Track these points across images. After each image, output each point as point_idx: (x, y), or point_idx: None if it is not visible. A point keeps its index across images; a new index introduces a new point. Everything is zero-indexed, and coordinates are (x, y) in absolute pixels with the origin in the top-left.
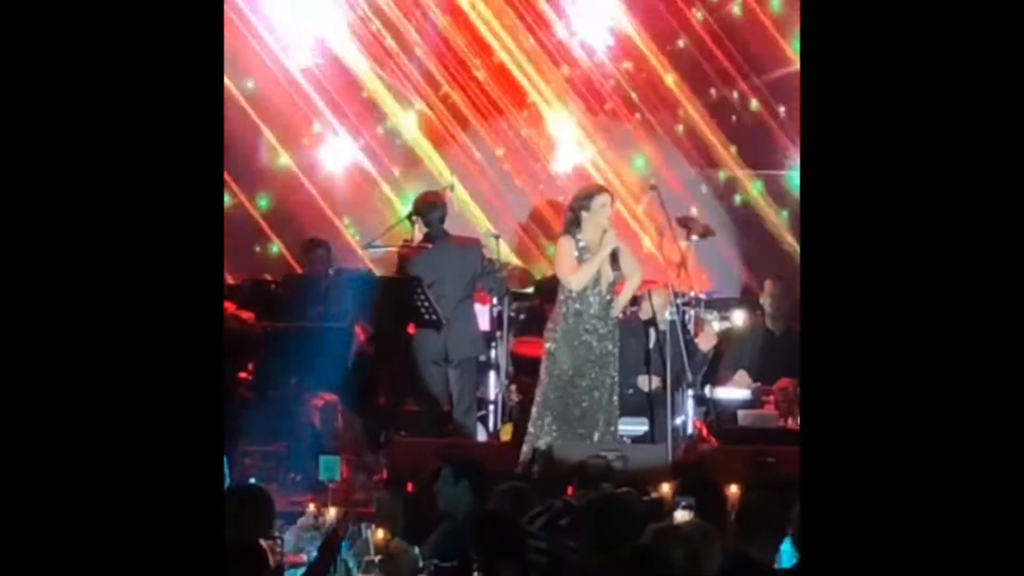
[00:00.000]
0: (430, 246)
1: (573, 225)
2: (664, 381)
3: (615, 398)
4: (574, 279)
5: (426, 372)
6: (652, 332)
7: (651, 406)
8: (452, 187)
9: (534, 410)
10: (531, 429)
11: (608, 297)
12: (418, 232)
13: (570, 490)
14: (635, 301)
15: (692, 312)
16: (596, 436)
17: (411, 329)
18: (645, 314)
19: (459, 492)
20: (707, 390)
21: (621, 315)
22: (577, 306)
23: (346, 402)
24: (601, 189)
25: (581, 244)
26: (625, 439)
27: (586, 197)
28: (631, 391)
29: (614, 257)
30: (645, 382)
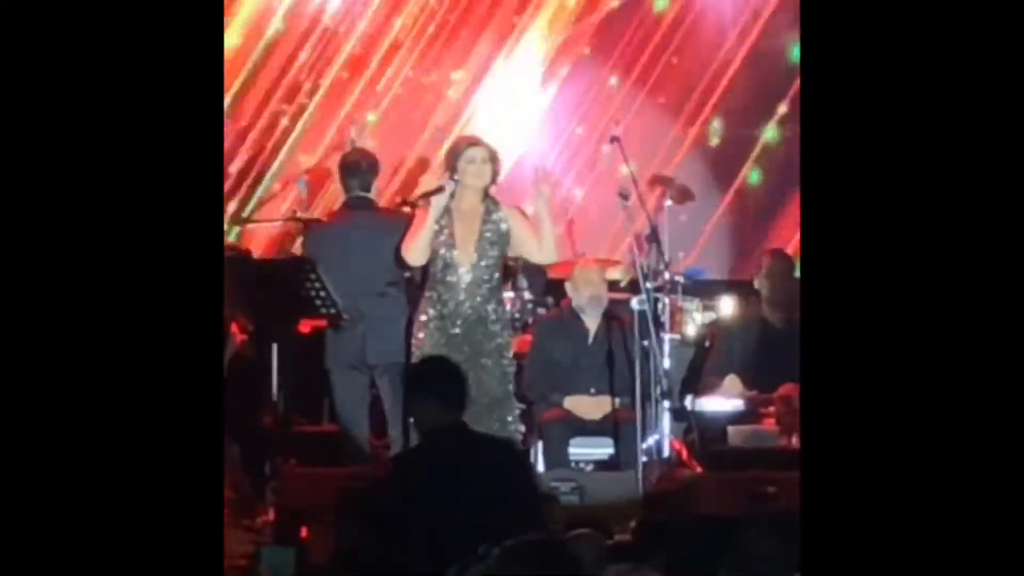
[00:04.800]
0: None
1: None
2: (612, 391)
3: (508, 416)
4: (408, 252)
5: (343, 382)
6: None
7: (616, 423)
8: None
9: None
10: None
11: (477, 280)
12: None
13: None
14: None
15: (667, 300)
16: None
17: (305, 327)
18: (578, 302)
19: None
20: (688, 401)
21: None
22: (438, 294)
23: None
24: (473, 142)
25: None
26: (583, 465)
27: (453, 154)
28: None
29: (500, 231)
30: (578, 404)
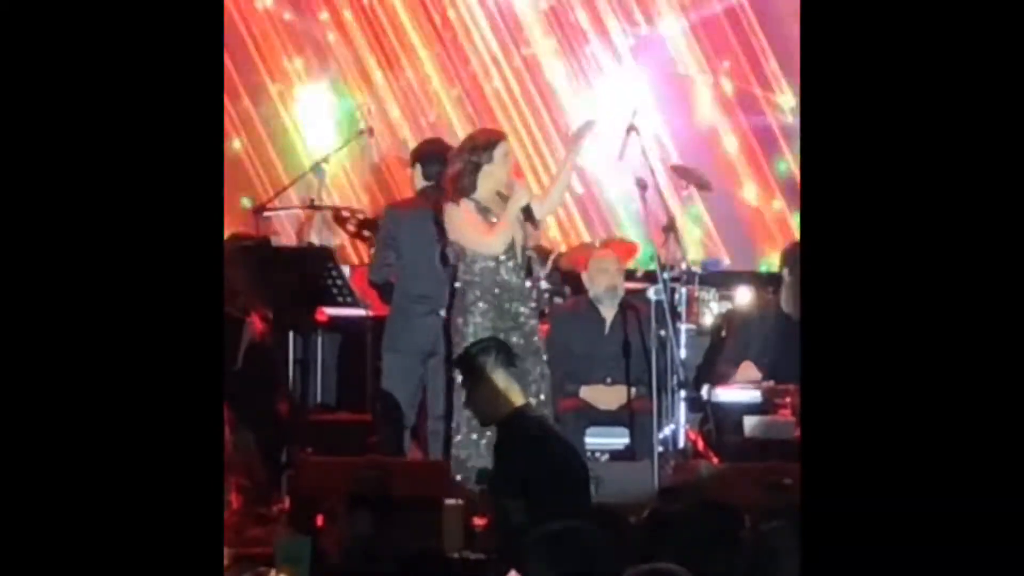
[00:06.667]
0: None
1: (468, 184)
2: (628, 381)
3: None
4: (493, 239)
5: (400, 370)
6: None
7: (631, 413)
8: (371, 131)
9: (456, 419)
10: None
11: (522, 263)
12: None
13: None
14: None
15: (683, 290)
16: None
17: (321, 316)
18: (595, 292)
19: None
20: (704, 391)
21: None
22: (495, 279)
23: (235, 409)
24: (500, 135)
25: (482, 206)
26: (599, 455)
27: (485, 147)
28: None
29: (529, 212)
30: (594, 393)
